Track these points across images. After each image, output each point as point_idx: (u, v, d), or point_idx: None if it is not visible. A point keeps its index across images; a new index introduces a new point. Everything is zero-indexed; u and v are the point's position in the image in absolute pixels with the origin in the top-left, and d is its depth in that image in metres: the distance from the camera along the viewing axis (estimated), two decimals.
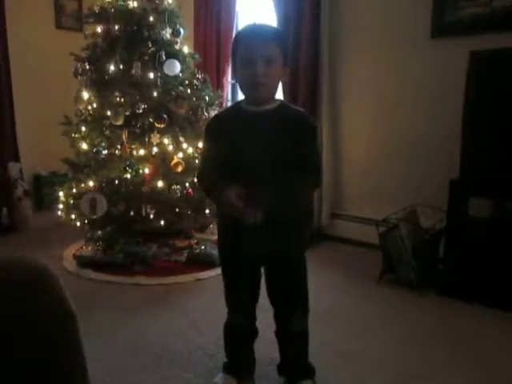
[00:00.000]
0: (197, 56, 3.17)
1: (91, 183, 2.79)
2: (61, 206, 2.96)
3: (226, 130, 1.42)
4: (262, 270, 1.55)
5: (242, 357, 1.65)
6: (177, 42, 3.03)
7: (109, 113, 2.78)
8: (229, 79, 3.90)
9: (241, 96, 1.50)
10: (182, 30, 3.02)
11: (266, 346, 1.66)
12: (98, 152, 2.83)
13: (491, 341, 1.96)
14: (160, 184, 2.76)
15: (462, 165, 2.31)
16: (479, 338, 1.99)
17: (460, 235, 2.34)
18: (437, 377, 1.71)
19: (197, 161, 2.96)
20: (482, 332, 2.03)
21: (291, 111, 1.46)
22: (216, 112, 1.52)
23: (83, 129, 2.92)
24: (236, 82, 1.44)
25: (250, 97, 1.41)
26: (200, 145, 2.98)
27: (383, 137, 3.10)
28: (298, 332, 1.54)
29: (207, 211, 2.98)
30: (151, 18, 2.89)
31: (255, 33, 1.39)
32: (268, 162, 1.34)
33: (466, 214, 2.33)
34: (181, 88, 2.94)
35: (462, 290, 2.32)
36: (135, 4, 2.90)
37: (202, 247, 2.90)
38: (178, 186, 2.78)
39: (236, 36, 1.43)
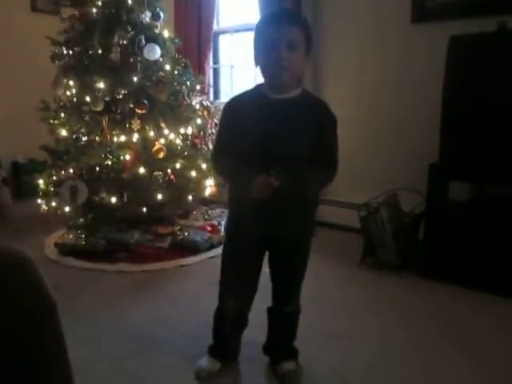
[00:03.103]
0: (177, 40, 3.13)
1: (71, 170, 2.75)
2: (41, 194, 2.92)
3: (247, 115, 1.40)
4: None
5: (229, 343, 1.67)
6: (157, 26, 2.97)
7: (88, 98, 2.73)
8: (210, 64, 3.86)
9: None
10: (161, 14, 2.97)
11: (252, 329, 1.67)
12: (78, 139, 2.79)
13: (472, 320, 2.02)
14: (141, 170, 2.73)
15: (441, 149, 2.34)
16: (460, 317, 2.04)
17: (439, 218, 2.38)
18: (420, 356, 1.75)
19: (179, 147, 2.94)
20: (463, 312, 2.09)
21: (313, 100, 1.45)
22: (234, 95, 1.48)
23: (62, 115, 2.87)
24: (257, 66, 1.40)
25: (272, 81, 1.39)
26: (182, 131, 2.96)
27: (364, 122, 3.11)
28: (290, 312, 1.59)
29: (190, 198, 2.97)
30: (130, 1, 2.84)
31: (279, 17, 1.37)
32: (288, 150, 1.34)
33: (446, 197, 2.37)
34: (161, 73, 2.90)
35: (442, 272, 2.37)
36: None
37: (185, 233, 2.90)
38: (160, 173, 2.76)
39: (259, 21, 1.41)
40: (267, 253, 1.55)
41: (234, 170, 1.43)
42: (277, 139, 1.35)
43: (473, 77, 2.25)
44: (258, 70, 1.41)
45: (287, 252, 1.51)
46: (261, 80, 1.43)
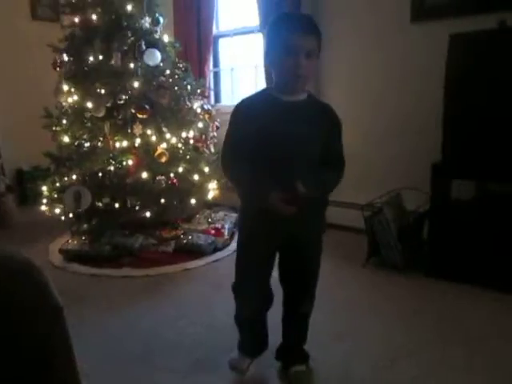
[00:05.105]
0: (177, 45, 3.14)
1: (74, 176, 2.76)
2: (45, 201, 2.93)
3: (260, 116, 1.39)
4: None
5: (257, 336, 1.66)
6: (156, 31, 2.99)
7: (90, 105, 2.74)
8: (210, 68, 3.86)
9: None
10: (161, 19, 2.98)
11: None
12: (80, 145, 2.80)
13: (477, 319, 2.01)
14: (144, 175, 2.74)
15: (443, 148, 2.34)
16: (465, 316, 2.03)
17: (443, 217, 2.37)
18: (424, 355, 1.74)
19: (181, 151, 2.95)
20: (468, 311, 2.08)
21: (320, 103, 1.49)
22: (244, 97, 1.46)
23: (64, 122, 2.88)
24: (267, 64, 1.40)
25: (286, 86, 1.40)
26: (183, 135, 2.97)
27: (367, 122, 3.11)
28: (303, 313, 1.61)
29: (193, 201, 2.98)
30: (129, 7, 2.85)
31: (301, 25, 1.36)
32: (305, 152, 1.38)
33: (449, 196, 2.36)
34: (162, 78, 2.91)
35: (447, 271, 2.36)
36: None
37: (189, 237, 2.90)
38: (163, 177, 2.77)
39: (276, 22, 1.40)
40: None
41: (247, 180, 1.41)
42: (296, 141, 1.36)
43: (474, 75, 2.24)
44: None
45: (302, 252, 1.52)
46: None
